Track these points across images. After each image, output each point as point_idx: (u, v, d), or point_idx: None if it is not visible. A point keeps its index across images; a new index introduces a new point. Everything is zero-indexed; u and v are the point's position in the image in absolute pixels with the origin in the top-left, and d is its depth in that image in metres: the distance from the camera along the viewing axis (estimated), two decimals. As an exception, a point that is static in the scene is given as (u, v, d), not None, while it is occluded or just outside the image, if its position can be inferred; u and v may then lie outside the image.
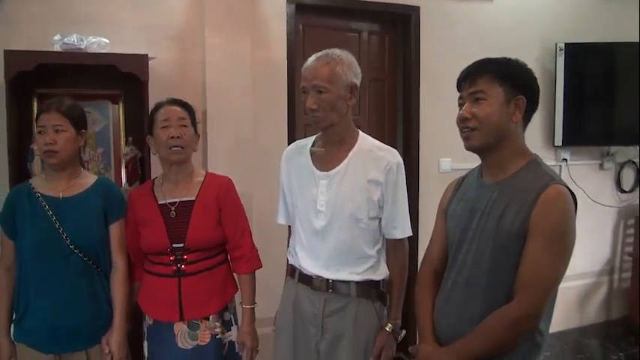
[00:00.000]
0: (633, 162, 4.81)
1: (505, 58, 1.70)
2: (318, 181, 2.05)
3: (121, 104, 2.87)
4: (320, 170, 2.06)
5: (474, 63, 1.71)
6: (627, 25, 4.57)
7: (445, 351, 1.67)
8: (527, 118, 1.69)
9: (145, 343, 2.25)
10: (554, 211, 1.56)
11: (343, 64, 1.98)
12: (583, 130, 4.45)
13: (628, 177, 4.84)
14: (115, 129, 2.87)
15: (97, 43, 2.64)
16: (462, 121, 1.68)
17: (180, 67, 3.14)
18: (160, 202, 2.19)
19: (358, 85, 2.02)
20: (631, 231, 4.87)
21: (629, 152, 4.75)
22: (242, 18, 3.17)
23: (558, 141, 4.30)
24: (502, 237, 1.60)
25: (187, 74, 3.14)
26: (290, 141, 3.38)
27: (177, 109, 2.18)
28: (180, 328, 2.15)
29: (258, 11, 3.32)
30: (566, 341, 4.37)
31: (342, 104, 1.98)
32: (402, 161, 2.08)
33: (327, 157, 2.07)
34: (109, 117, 2.85)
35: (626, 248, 4.89)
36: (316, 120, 2.00)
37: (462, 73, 1.72)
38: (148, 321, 2.22)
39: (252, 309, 2.25)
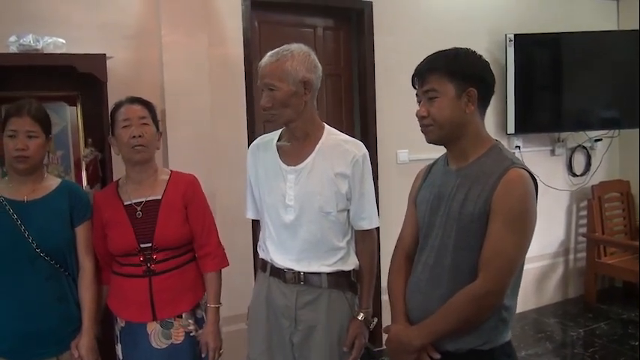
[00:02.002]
0: (583, 147, 4.99)
1: (454, 51, 1.73)
2: (285, 176, 2.06)
3: (78, 105, 2.82)
4: (287, 165, 2.06)
5: (424, 60, 1.75)
6: (573, 16, 4.77)
7: (415, 329, 1.72)
8: (483, 106, 1.74)
9: (118, 347, 2.22)
10: (515, 193, 1.62)
11: (294, 59, 1.96)
12: (534, 118, 4.61)
13: (579, 161, 5.04)
14: (73, 131, 2.82)
15: (54, 43, 2.59)
16: (419, 119, 1.74)
17: (138, 66, 3.12)
18: (125, 203, 2.18)
19: (312, 80, 2.00)
20: (583, 213, 5.06)
21: (579, 138, 4.92)
22: (198, 15, 3.17)
23: (511, 129, 4.44)
24: (466, 219, 1.66)
25: (145, 73, 3.12)
26: (250, 137, 3.42)
27: (138, 107, 2.17)
28: (153, 328, 2.14)
29: (214, 8, 3.32)
30: (526, 322, 4.51)
31: (295, 100, 1.97)
32: (367, 153, 2.10)
33: (293, 152, 2.07)
34: (67, 119, 2.79)
35: (580, 229, 5.07)
36: (272, 117, 2.01)
37: (414, 71, 1.76)
38: (120, 323, 2.20)
39: (217, 308, 2.24)
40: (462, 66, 1.69)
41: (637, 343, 4.08)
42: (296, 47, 2.00)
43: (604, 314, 4.67)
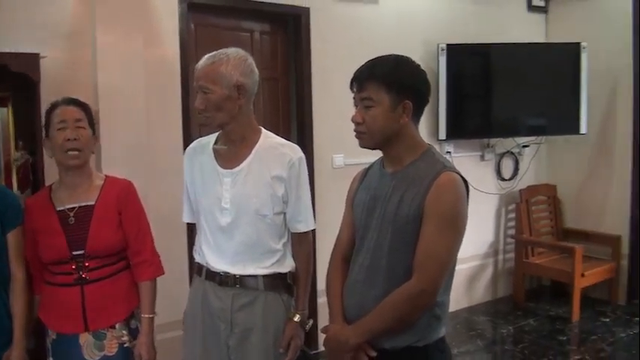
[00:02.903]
0: (512, 152, 5.18)
1: (394, 61, 1.76)
2: (222, 179, 2.05)
3: (9, 107, 2.73)
4: (223, 168, 2.06)
5: (363, 65, 1.77)
6: (504, 27, 4.98)
7: (351, 328, 1.76)
8: (418, 115, 1.78)
9: None
10: (447, 196, 1.68)
11: (229, 63, 1.96)
12: (465, 125, 4.76)
13: (507, 166, 5.22)
14: (4, 133, 2.73)
15: None
16: (354, 124, 1.78)
17: (71, 66, 3.04)
18: (58, 209, 2.10)
19: (247, 84, 2.00)
20: (512, 215, 5.26)
21: (508, 143, 5.11)
22: (134, 15, 3.12)
23: (442, 135, 4.57)
24: (400, 221, 1.71)
25: (78, 74, 3.05)
26: (185, 141, 3.38)
27: (74, 109, 2.10)
28: (85, 339, 2.08)
29: (150, 9, 3.28)
30: (458, 320, 4.64)
31: (229, 104, 1.97)
32: (303, 157, 2.12)
33: (230, 155, 2.07)
34: None
35: (509, 231, 5.27)
36: (206, 120, 2.02)
37: (353, 75, 1.79)
38: (52, 335, 2.12)
39: (152, 319, 2.19)
40: (399, 78, 1.71)
41: (565, 339, 4.28)
42: (233, 51, 2.01)
43: (532, 312, 4.86)
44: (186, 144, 3.39)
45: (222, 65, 1.96)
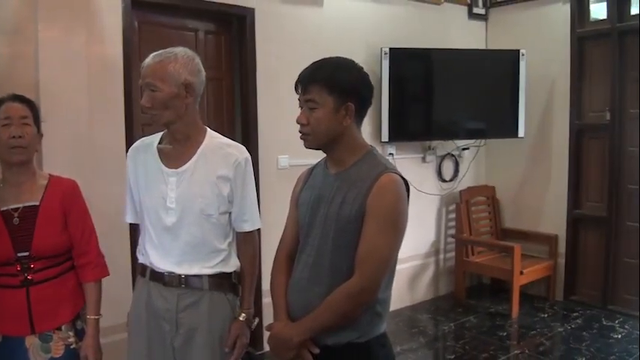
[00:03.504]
0: (452, 155, 5.31)
1: (337, 63, 1.80)
2: (167, 179, 2.05)
3: None
4: (168, 167, 2.05)
5: (307, 68, 1.80)
6: (445, 33, 5.12)
7: (295, 326, 1.79)
8: (360, 116, 1.83)
9: None
10: (387, 196, 1.72)
11: (177, 62, 1.97)
12: (407, 127, 4.85)
13: (448, 168, 5.35)
14: None
15: None
16: (300, 126, 1.81)
17: (12, 62, 2.96)
18: (2, 209, 2.05)
19: (195, 83, 2.01)
20: (452, 216, 5.39)
21: (448, 146, 5.23)
22: (76, 11, 3.07)
23: (385, 137, 4.64)
24: (343, 221, 1.75)
25: (20, 70, 2.97)
26: (128, 140, 3.32)
27: (20, 106, 2.06)
28: (31, 342, 2.04)
29: (93, 5, 3.21)
30: (400, 318, 4.74)
31: (177, 102, 1.98)
32: (249, 157, 2.13)
33: (175, 155, 2.07)
34: None
35: (449, 231, 5.40)
36: (152, 118, 2.01)
37: (298, 77, 1.81)
38: None
39: (97, 320, 2.16)
40: (341, 81, 1.75)
41: (505, 334, 4.42)
42: (180, 50, 2.01)
43: (473, 309, 5.00)
44: (128, 143, 3.32)
45: (171, 64, 1.96)
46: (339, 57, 1.84)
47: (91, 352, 2.12)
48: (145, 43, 3.50)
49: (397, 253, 1.81)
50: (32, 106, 2.12)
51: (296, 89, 1.83)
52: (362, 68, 1.83)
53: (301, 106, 1.81)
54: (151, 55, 2.00)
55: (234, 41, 4.00)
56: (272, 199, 3.77)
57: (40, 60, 2.98)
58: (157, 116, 1.99)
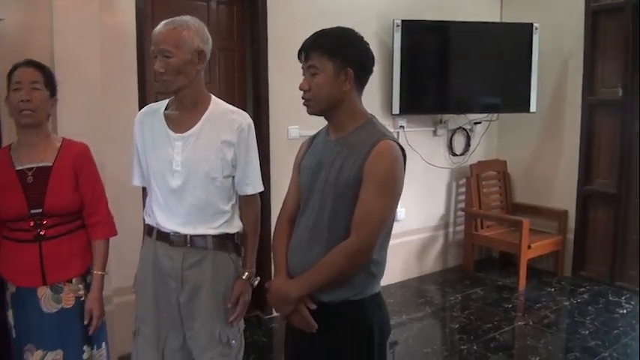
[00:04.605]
0: (463, 129, 5.32)
1: (338, 31, 1.87)
2: (173, 143, 2.12)
3: None
4: (175, 132, 2.13)
5: (310, 36, 1.87)
6: (460, 5, 5.08)
7: (293, 282, 1.87)
8: (361, 84, 1.89)
9: (10, 312, 2.22)
10: (384, 162, 1.78)
11: (190, 29, 2.04)
12: (418, 100, 4.85)
13: (459, 142, 5.37)
14: None
15: None
16: (302, 92, 1.87)
17: (28, 30, 3.02)
18: (17, 168, 2.17)
19: (206, 51, 2.09)
20: (463, 189, 5.42)
21: (460, 120, 5.25)
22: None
23: (396, 110, 4.66)
24: (341, 185, 1.81)
25: (35, 37, 3.02)
26: (141, 108, 3.38)
27: (31, 71, 2.15)
28: (43, 292, 2.16)
29: (107, -27, 3.26)
30: (408, 289, 4.82)
31: (189, 69, 2.05)
32: (252, 122, 2.21)
33: (181, 120, 2.14)
34: None
35: (459, 205, 5.44)
36: (165, 84, 2.07)
37: (301, 46, 1.88)
38: (11, 289, 2.20)
39: (102, 276, 2.27)
40: (341, 47, 1.82)
41: (510, 306, 4.48)
42: (190, 18, 2.08)
43: (480, 281, 5.06)
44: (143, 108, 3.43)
45: (184, 31, 2.03)
46: (341, 26, 1.90)
47: (96, 305, 2.24)
48: (157, 12, 3.54)
49: (392, 216, 1.87)
50: (44, 71, 2.20)
51: (299, 57, 1.89)
52: (363, 38, 1.89)
53: (304, 74, 1.88)
54: (162, 23, 2.06)
55: (245, 11, 4.03)
56: (282, 169, 3.81)
57: (55, 28, 3.03)
58: (169, 82, 2.06)
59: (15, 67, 2.17)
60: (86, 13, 3.11)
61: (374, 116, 1.94)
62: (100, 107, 3.20)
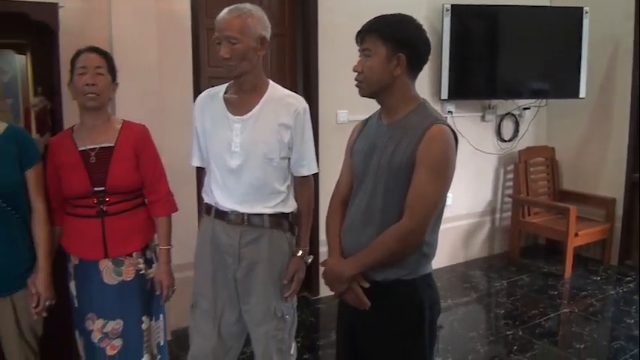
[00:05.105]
0: (512, 114, 5.29)
1: (395, 17, 1.91)
2: (232, 125, 2.21)
3: (28, 54, 2.83)
4: (234, 115, 2.22)
5: (368, 21, 1.92)
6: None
7: (347, 261, 1.93)
8: (414, 70, 1.92)
9: (72, 283, 2.33)
10: (437, 145, 1.82)
11: (253, 17, 2.13)
12: (467, 86, 4.85)
13: (507, 128, 5.34)
14: (22, 79, 2.84)
15: None
16: (356, 74, 1.93)
17: (87, 16, 3.13)
18: (80, 149, 2.27)
19: (267, 37, 2.18)
20: (510, 176, 5.40)
21: (509, 105, 5.21)
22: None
23: (444, 95, 4.67)
24: (395, 168, 1.86)
25: (94, 24, 3.14)
26: (195, 93, 3.47)
27: (95, 56, 2.25)
28: (105, 265, 2.27)
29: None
30: (454, 274, 4.85)
31: (252, 54, 2.14)
32: (307, 107, 2.29)
33: (240, 103, 2.23)
34: (16, 67, 2.82)
35: (506, 191, 5.42)
36: (229, 69, 2.15)
37: (359, 29, 1.94)
38: (74, 261, 2.31)
39: (169, 250, 2.38)
40: (396, 32, 1.86)
41: (556, 293, 4.47)
42: (252, 6, 2.16)
43: (526, 268, 5.05)
44: (196, 95, 3.49)
45: (249, 18, 2.11)
46: (401, 13, 1.94)
47: (165, 277, 2.36)
48: (210, -1, 3.63)
49: (444, 199, 1.91)
50: (107, 57, 2.31)
51: (357, 40, 1.94)
52: (421, 25, 1.92)
53: (360, 56, 1.93)
54: (226, 10, 2.14)
55: (297, -2, 4.08)
56: (331, 152, 3.87)
57: (113, 15, 3.15)
58: (234, 67, 2.14)
59: (78, 53, 2.27)
60: (143, 1, 3.21)
61: (426, 100, 1.98)
62: (156, 91, 3.31)
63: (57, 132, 2.71)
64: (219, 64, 2.18)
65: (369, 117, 2.11)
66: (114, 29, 3.15)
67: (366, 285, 1.90)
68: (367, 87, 1.91)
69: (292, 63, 4.15)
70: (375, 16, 1.93)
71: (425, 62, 1.95)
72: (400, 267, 1.88)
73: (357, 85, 1.94)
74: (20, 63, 2.86)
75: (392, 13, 1.93)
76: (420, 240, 1.86)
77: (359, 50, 1.93)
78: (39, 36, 2.76)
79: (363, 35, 1.91)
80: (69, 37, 2.73)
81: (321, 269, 2.06)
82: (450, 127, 1.88)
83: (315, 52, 4.05)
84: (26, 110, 2.88)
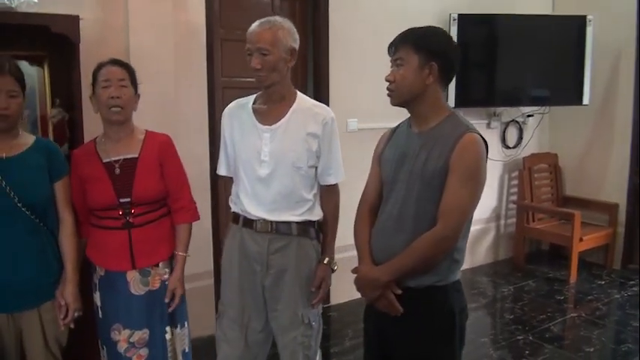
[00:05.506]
0: (516, 121, 5.34)
1: (427, 29, 1.97)
2: (261, 134, 2.24)
3: (45, 66, 2.83)
4: (263, 124, 2.25)
5: (400, 33, 1.97)
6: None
7: (382, 268, 1.96)
8: (445, 79, 1.97)
9: (97, 294, 2.34)
10: (469, 154, 1.87)
11: (284, 29, 2.18)
12: (472, 94, 4.90)
13: (512, 135, 5.39)
14: (40, 91, 2.83)
15: (26, 2, 2.59)
16: (388, 83, 1.97)
17: (105, 28, 3.16)
18: (104, 161, 2.28)
19: (297, 48, 2.23)
20: (515, 182, 5.45)
21: (513, 113, 5.27)
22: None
23: (451, 103, 4.64)
24: (427, 175, 1.90)
25: (112, 35, 3.16)
26: (210, 102, 3.52)
27: (118, 69, 2.25)
28: (132, 276, 2.28)
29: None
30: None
31: (282, 65, 2.19)
32: (334, 117, 2.33)
33: (269, 113, 2.26)
34: (34, 79, 2.79)
35: (511, 197, 5.47)
36: (260, 79, 2.20)
37: (391, 41, 1.99)
38: (99, 272, 2.32)
39: (185, 258, 2.39)
40: (428, 42, 1.91)
41: (562, 298, 4.53)
42: (282, 19, 2.22)
43: (532, 273, 5.10)
44: (210, 105, 3.54)
45: (279, 30, 2.17)
46: (432, 25, 2.00)
47: (179, 284, 2.37)
48: (224, 9, 3.63)
49: (476, 205, 1.95)
50: (129, 70, 2.32)
51: (389, 51, 1.99)
52: (451, 37, 2.01)
53: (392, 67, 1.98)
54: (257, 23, 2.19)
55: (308, 7, 4.10)
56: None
57: (130, 27, 3.17)
58: (264, 77, 2.18)
59: (100, 66, 2.27)
60: (160, 12, 3.23)
61: (457, 110, 2.03)
62: (172, 101, 3.32)
63: (75, 143, 2.73)
64: (250, 74, 2.22)
65: (397, 126, 2.15)
66: (131, 40, 3.17)
67: (399, 292, 1.93)
68: (399, 96, 1.95)
69: (303, 72, 4.16)
70: (390, 26, 1.98)
71: (455, 72, 1.99)
72: (433, 273, 1.92)
73: (388, 95, 1.98)
74: (38, 75, 2.83)
75: (424, 26, 1.98)
76: (453, 246, 1.91)
77: (391, 61, 1.98)
78: (57, 47, 2.76)
79: (395, 46, 1.95)
80: (87, 49, 2.74)
81: (352, 271, 2.08)
82: (481, 135, 1.93)
83: (325, 61, 4.07)
84: (43, 121, 2.85)
